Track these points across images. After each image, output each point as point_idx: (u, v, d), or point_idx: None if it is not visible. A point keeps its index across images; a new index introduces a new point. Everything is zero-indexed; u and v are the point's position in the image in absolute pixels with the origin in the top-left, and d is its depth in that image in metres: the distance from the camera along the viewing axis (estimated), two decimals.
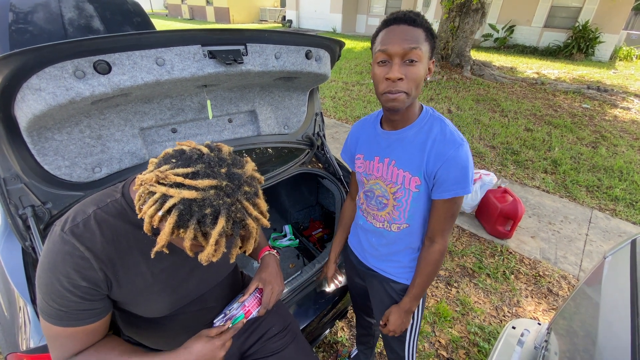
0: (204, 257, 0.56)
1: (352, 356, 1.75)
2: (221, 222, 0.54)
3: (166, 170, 0.57)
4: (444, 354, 1.88)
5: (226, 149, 0.65)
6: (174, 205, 0.54)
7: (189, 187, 0.54)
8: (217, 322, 0.88)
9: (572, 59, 11.40)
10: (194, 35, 0.98)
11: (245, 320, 0.86)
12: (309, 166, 1.78)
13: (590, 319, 0.91)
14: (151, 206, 0.56)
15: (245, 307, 0.86)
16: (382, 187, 1.02)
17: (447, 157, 0.87)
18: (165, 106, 1.27)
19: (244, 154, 1.64)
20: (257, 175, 0.66)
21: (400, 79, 0.81)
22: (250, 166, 0.64)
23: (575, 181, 3.76)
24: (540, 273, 2.48)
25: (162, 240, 0.55)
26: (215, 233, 0.54)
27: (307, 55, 1.25)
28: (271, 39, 1.13)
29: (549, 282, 2.40)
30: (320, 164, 1.87)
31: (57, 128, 1.06)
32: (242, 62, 1.07)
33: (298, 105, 1.67)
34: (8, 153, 0.98)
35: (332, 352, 1.88)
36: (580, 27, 11.28)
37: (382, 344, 1.91)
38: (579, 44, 11.34)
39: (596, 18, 11.32)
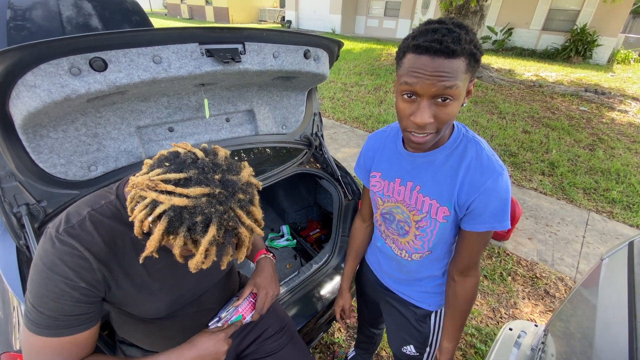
0: (193, 265, 0.55)
1: (349, 358, 1.74)
2: (212, 231, 0.53)
3: (158, 174, 0.55)
4: None
5: (222, 153, 0.63)
6: (164, 212, 0.53)
7: (180, 195, 0.52)
8: (212, 325, 0.87)
9: (570, 61, 11.45)
10: (192, 33, 0.97)
11: (243, 321, 0.86)
12: (307, 166, 1.78)
13: (587, 321, 0.91)
14: (141, 211, 0.55)
15: (239, 312, 0.86)
16: (404, 212, 0.90)
17: (485, 188, 0.75)
18: (162, 105, 1.26)
19: (242, 155, 1.63)
20: (254, 181, 0.63)
21: (431, 122, 0.68)
22: (246, 172, 0.62)
23: (573, 183, 3.77)
24: (537, 275, 2.48)
25: (151, 246, 0.54)
26: (205, 241, 0.53)
27: (306, 55, 1.25)
28: (269, 38, 1.12)
29: (546, 284, 2.41)
30: (318, 164, 1.86)
31: (53, 126, 1.05)
32: (239, 61, 1.07)
33: (296, 105, 1.67)
34: (3, 150, 0.97)
35: (329, 353, 1.88)
36: (579, 30, 11.34)
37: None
38: (577, 47, 11.40)
39: (594, 21, 11.38)
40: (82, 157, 1.14)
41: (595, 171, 4.07)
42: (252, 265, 2.00)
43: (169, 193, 0.53)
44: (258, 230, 0.61)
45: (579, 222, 3.15)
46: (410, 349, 1.11)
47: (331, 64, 1.42)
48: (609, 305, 0.84)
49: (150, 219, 0.54)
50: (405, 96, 0.68)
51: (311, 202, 2.39)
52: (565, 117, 5.86)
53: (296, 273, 1.53)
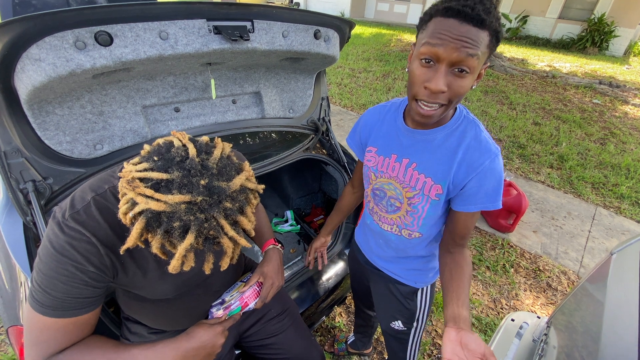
0: (170, 267, 0.53)
1: (349, 342, 1.77)
2: (189, 238, 0.51)
3: (142, 170, 0.53)
4: (440, 342, 1.89)
5: (217, 153, 0.57)
6: (142, 211, 0.52)
7: (158, 200, 0.50)
8: (215, 308, 0.88)
9: (585, 52, 11.12)
10: (200, 9, 0.94)
11: (242, 312, 0.86)
12: (313, 152, 1.76)
13: (593, 316, 0.90)
14: (123, 205, 0.53)
15: (243, 299, 0.86)
16: (396, 189, 0.91)
17: (482, 169, 0.76)
18: (168, 84, 1.24)
19: (247, 139, 1.62)
20: (251, 185, 0.59)
21: (444, 91, 0.66)
22: (241, 178, 0.57)
23: (581, 177, 3.71)
24: (540, 267, 2.48)
25: (130, 241, 0.53)
26: (182, 248, 0.51)
27: (316, 35, 1.20)
28: (279, 16, 1.09)
29: (549, 277, 2.40)
30: (324, 150, 1.84)
31: (58, 102, 1.04)
32: (248, 39, 1.03)
33: (304, 88, 1.64)
34: (9, 126, 0.97)
35: (329, 336, 1.90)
36: (596, 20, 10.95)
37: (380, 334, 1.93)
38: (594, 38, 11.03)
39: (612, 11, 10.97)
40: (88, 135, 1.13)
41: (605, 166, 4.00)
42: (257, 249, 2.02)
43: (147, 197, 0.50)
44: (243, 242, 0.57)
45: (585, 216, 3.12)
46: (398, 324, 1.15)
47: (341, 46, 1.38)
48: (618, 300, 0.83)
49: (130, 215, 0.52)
50: (423, 61, 0.66)
51: (316, 188, 2.38)
52: (578, 109, 5.73)
53: (299, 257, 1.54)
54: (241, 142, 1.72)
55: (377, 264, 1.11)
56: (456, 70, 0.64)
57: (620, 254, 0.98)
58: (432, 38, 0.63)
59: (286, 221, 2.26)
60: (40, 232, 1.01)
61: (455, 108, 0.83)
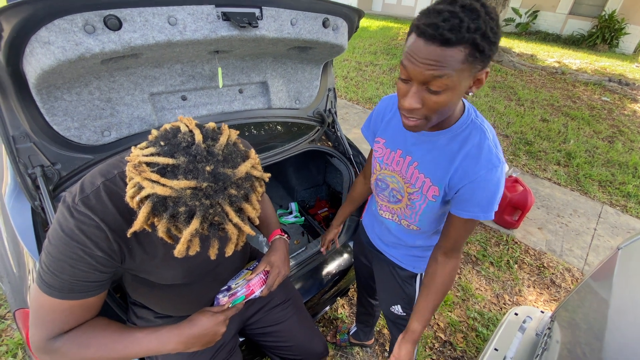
0: (176, 252, 0.54)
1: (351, 333, 1.78)
2: (195, 223, 0.51)
3: (149, 155, 0.53)
4: (442, 336, 1.90)
5: (223, 139, 0.57)
6: (148, 196, 0.52)
7: (163, 185, 0.50)
8: (221, 294, 0.89)
9: (595, 49, 10.93)
10: None
11: (245, 300, 0.87)
12: (319, 144, 1.75)
13: (599, 310, 0.90)
14: (131, 188, 0.54)
15: (250, 287, 0.87)
16: (399, 182, 0.93)
17: (476, 178, 0.75)
18: (175, 72, 1.24)
19: (253, 130, 1.61)
20: (258, 174, 0.59)
21: (418, 108, 0.67)
22: (246, 165, 0.56)
23: (588, 175, 3.68)
24: (545, 264, 2.47)
25: (136, 224, 0.53)
26: (187, 232, 0.52)
27: (325, 24, 1.19)
28: (288, 4, 1.07)
29: (553, 274, 2.39)
30: (330, 143, 1.83)
31: (67, 88, 1.04)
32: (256, 26, 1.02)
33: (311, 79, 1.62)
34: (17, 110, 0.97)
35: (332, 327, 1.92)
36: (607, 17, 10.74)
37: (383, 323, 1.94)
38: (604, 34, 10.83)
39: (623, 8, 10.75)
40: (96, 121, 1.13)
41: (613, 164, 3.95)
42: (261, 238, 2.03)
43: (153, 181, 0.51)
44: (247, 229, 0.57)
45: (591, 214, 3.10)
46: (397, 309, 1.18)
47: (350, 35, 1.36)
48: (625, 295, 0.83)
49: (137, 198, 0.53)
50: (402, 77, 0.67)
51: (320, 180, 2.38)
52: (586, 106, 5.66)
53: (304, 249, 1.54)
54: (247, 132, 1.72)
55: (380, 247, 1.14)
56: (430, 88, 0.63)
57: (626, 250, 0.98)
58: (405, 57, 0.64)
59: (290, 213, 2.27)
60: (48, 216, 1.02)
61: (464, 109, 0.80)
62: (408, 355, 0.91)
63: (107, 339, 0.69)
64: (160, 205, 0.52)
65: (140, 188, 0.52)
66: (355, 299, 2.10)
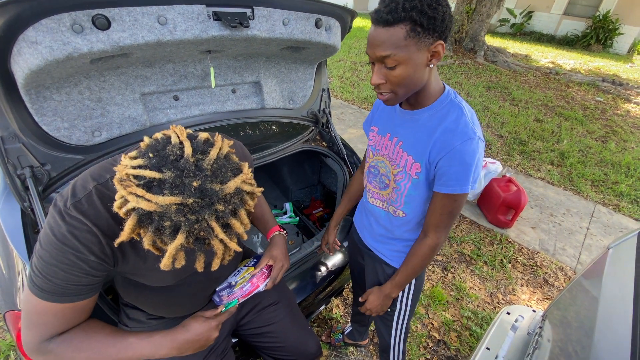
0: (162, 265, 0.54)
1: (345, 332, 1.78)
2: (180, 238, 0.51)
3: (137, 167, 0.53)
4: (436, 335, 1.91)
5: (213, 153, 0.55)
6: (133, 209, 0.52)
7: (148, 200, 0.50)
8: (225, 292, 0.90)
9: (589, 49, 11.03)
10: None
11: (247, 296, 0.88)
12: (313, 144, 1.75)
13: (588, 309, 0.91)
14: (118, 199, 0.53)
15: (254, 282, 0.89)
16: (386, 166, 0.97)
17: (452, 149, 0.79)
18: (167, 72, 1.23)
19: (247, 130, 1.60)
20: (247, 188, 0.57)
21: (382, 83, 0.77)
22: (236, 181, 0.55)
23: (581, 175, 3.71)
24: (538, 263, 2.49)
25: (123, 235, 0.53)
26: (172, 247, 0.51)
27: (317, 24, 1.19)
28: (280, 4, 1.07)
29: (546, 273, 2.41)
30: (324, 143, 1.83)
31: (56, 88, 1.03)
32: (247, 26, 1.02)
33: (304, 79, 1.62)
34: (6, 111, 0.96)
35: (326, 327, 1.92)
36: (601, 17, 10.84)
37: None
38: (598, 35, 10.94)
39: (618, 8, 10.85)
40: (86, 121, 1.12)
41: (606, 163, 3.99)
42: (255, 239, 2.02)
43: (138, 196, 0.50)
44: (233, 246, 0.56)
45: (584, 213, 3.12)
46: None
47: (343, 36, 1.36)
48: (613, 294, 0.83)
49: (123, 210, 0.52)
50: (369, 60, 0.79)
51: (315, 181, 2.37)
52: (580, 106, 5.71)
53: (298, 249, 1.54)
54: (241, 132, 1.71)
55: (369, 243, 1.16)
56: (386, 65, 0.74)
57: (616, 249, 0.99)
58: (367, 44, 0.76)
59: (285, 213, 2.27)
60: (37, 218, 1.01)
61: (443, 90, 0.87)
62: (375, 302, 1.08)
63: (100, 343, 0.69)
64: (145, 218, 0.51)
65: (126, 201, 0.52)
66: (350, 299, 2.10)
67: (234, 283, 0.92)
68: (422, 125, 0.87)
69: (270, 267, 0.95)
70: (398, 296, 1.13)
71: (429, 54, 0.73)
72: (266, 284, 0.91)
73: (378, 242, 1.12)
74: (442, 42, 0.73)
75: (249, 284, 0.88)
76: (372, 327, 1.91)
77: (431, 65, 0.76)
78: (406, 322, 1.19)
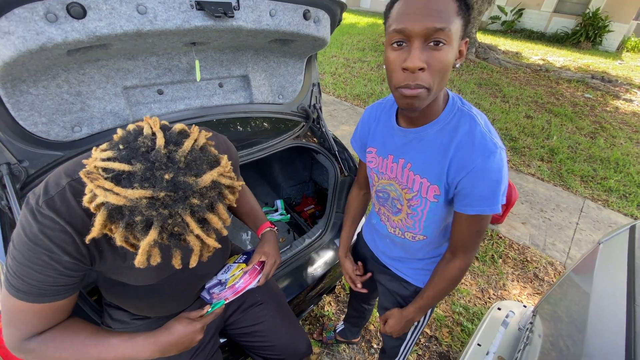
0: (136, 262, 0.51)
1: (337, 331, 1.76)
2: (152, 234, 0.48)
3: (105, 159, 0.50)
4: (428, 331, 1.91)
5: (187, 144, 0.53)
6: (102, 203, 0.49)
7: (117, 194, 0.47)
8: (216, 289, 0.89)
9: (579, 47, 11.16)
10: None
11: (240, 293, 0.87)
12: (304, 140, 1.72)
13: (580, 304, 0.90)
14: (87, 194, 0.50)
15: (247, 278, 0.88)
16: (396, 190, 0.87)
17: (472, 168, 0.70)
18: (150, 65, 1.19)
19: (238, 125, 1.56)
20: (225, 181, 0.55)
21: (422, 68, 0.61)
22: (213, 173, 0.52)
23: (571, 170, 3.75)
24: (528, 258, 2.50)
25: (94, 231, 0.50)
26: (144, 243, 0.49)
27: (305, 16, 1.16)
28: None
29: (536, 268, 2.43)
30: (315, 139, 1.81)
31: (33, 81, 0.99)
32: (232, 16, 0.98)
33: (294, 73, 1.59)
34: None
35: (318, 325, 1.90)
36: (590, 15, 10.98)
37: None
38: (587, 32, 11.07)
39: (607, 6, 11.00)
40: (65, 116, 1.08)
41: (595, 159, 4.04)
42: (245, 236, 1.99)
43: (106, 189, 0.47)
44: (210, 242, 0.54)
45: (573, 209, 3.16)
46: None
47: (332, 29, 1.34)
48: (605, 289, 0.83)
49: (93, 205, 0.50)
50: (395, 45, 0.63)
51: (307, 177, 2.35)
52: (569, 103, 5.77)
53: (289, 247, 1.51)
54: (229, 128, 1.68)
55: (385, 262, 1.08)
56: (431, 43, 0.61)
57: (607, 244, 0.98)
58: (398, 19, 0.61)
59: (276, 210, 2.24)
60: (15, 216, 0.97)
61: (448, 98, 0.76)
62: (396, 327, 0.99)
63: (81, 344, 0.67)
64: (116, 213, 0.49)
65: (96, 195, 0.49)
66: (342, 295, 2.09)
67: (224, 280, 0.90)
68: (429, 144, 0.76)
69: (262, 264, 0.94)
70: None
71: (457, 50, 0.64)
72: (258, 280, 0.90)
73: (396, 261, 1.04)
74: (467, 40, 0.65)
75: (241, 280, 0.87)
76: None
77: (457, 65, 0.66)
78: (420, 333, 1.14)
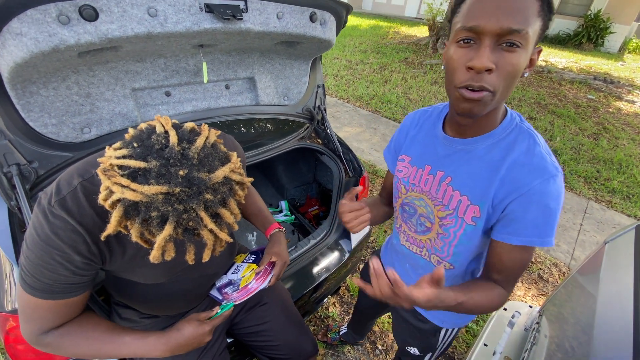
0: (151, 257, 0.52)
1: (341, 333, 1.76)
2: (168, 229, 0.49)
3: (121, 157, 0.51)
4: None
5: (200, 141, 0.54)
6: (119, 200, 0.50)
7: (134, 190, 0.48)
8: (228, 288, 0.90)
9: (581, 48, 11.15)
10: None
11: (251, 295, 0.89)
12: (308, 141, 1.73)
13: (586, 304, 0.90)
14: (103, 191, 0.51)
15: (259, 278, 0.90)
16: (427, 206, 0.79)
17: (528, 190, 0.62)
18: (158, 66, 1.20)
19: (242, 127, 1.58)
20: (236, 177, 0.56)
21: (489, 70, 0.55)
22: (224, 169, 0.53)
23: (574, 171, 3.74)
24: (532, 260, 2.50)
25: (109, 228, 0.51)
26: (160, 238, 0.50)
27: (312, 18, 1.17)
28: None
29: (540, 269, 2.42)
30: (319, 140, 1.82)
31: (43, 83, 1.00)
32: (241, 19, 1.00)
33: (299, 75, 1.60)
34: None
35: (323, 326, 1.90)
36: (592, 16, 10.98)
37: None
38: (589, 34, 11.07)
39: (609, 7, 11.00)
40: (75, 117, 1.09)
41: (598, 160, 4.03)
42: (250, 237, 2.00)
43: (123, 186, 0.48)
44: (223, 236, 0.55)
45: (577, 210, 3.15)
46: (414, 350, 1.09)
47: (338, 31, 1.35)
48: (612, 289, 0.83)
49: (108, 202, 0.51)
50: (462, 42, 0.57)
51: (311, 178, 2.36)
52: (572, 104, 5.76)
53: (294, 247, 1.52)
54: (235, 129, 1.69)
55: None
56: (503, 44, 0.54)
57: (613, 244, 0.99)
58: (470, 15, 0.55)
59: (280, 211, 2.25)
60: (25, 217, 0.98)
61: (506, 113, 0.69)
62: (430, 296, 0.61)
63: (96, 340, 0.70)
64: (132, 209, 0.50)
65: (112, 192, 0.50)
66: (346, 297, 2.09)
67: (236, 280, 0.92)
68: (479, 158, 0.69)
69: (272, 264, 0.95)
70: (437, 345, 1.00)
71: (529, 58, 0.57)
72: (269, 281, 0.91)
73: None
74: (540, 48, 0.59)
75: (254, 280, 0.89)
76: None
77: (526, 74, 0.60)
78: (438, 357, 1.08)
